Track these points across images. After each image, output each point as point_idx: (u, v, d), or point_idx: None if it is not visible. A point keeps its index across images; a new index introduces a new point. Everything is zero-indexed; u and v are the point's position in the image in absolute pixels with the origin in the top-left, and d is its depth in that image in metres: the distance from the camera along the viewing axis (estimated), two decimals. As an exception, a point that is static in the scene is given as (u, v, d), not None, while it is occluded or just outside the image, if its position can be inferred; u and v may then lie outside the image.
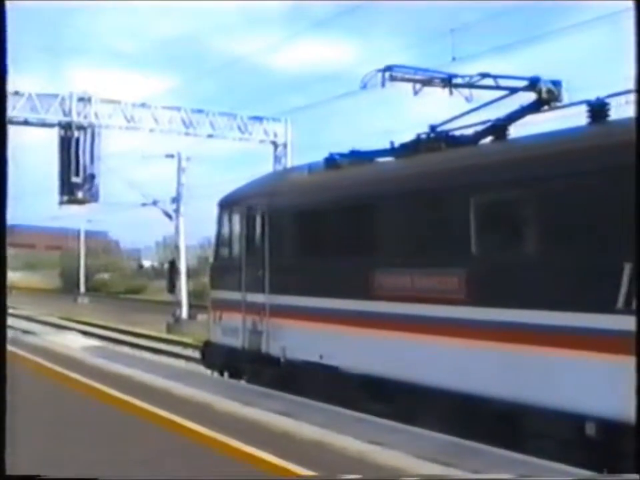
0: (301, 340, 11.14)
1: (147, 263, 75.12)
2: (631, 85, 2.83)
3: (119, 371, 12.40)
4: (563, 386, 7.20)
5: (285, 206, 11.75)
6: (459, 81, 10.44)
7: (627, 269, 6.60)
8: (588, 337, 6.97)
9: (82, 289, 58.42)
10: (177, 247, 33.15)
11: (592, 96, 8.25)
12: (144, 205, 33.44)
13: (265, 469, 6.28)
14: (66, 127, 28.71)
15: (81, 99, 28.93)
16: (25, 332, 26.74)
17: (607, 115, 8.01)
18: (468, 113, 10.15)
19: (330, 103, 32.73)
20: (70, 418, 8.68)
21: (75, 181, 28.82)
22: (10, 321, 30.51)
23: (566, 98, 9.56)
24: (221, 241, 13.77)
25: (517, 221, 8.18)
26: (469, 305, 8.24)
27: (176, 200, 32.62)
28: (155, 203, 33.02)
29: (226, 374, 13.09)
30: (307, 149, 38.09)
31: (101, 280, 63.05)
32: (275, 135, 32.21)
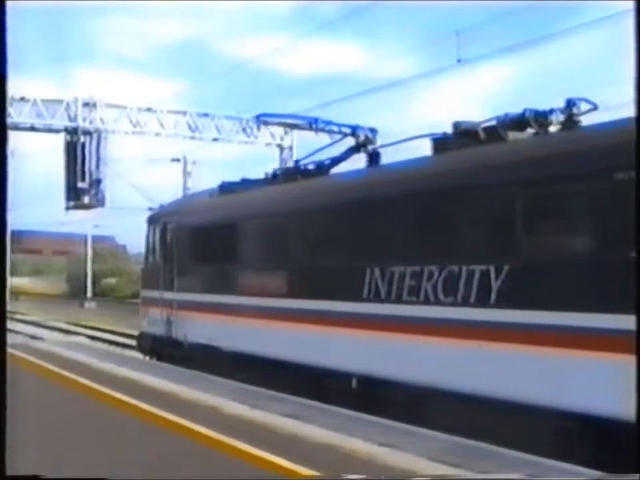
0: (195, 327, 14.39)
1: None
2: (632, 84, 2.84)
3: (126, 375, 12.40)
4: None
5: (186, 223, 15.19)
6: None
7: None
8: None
9: (89, 293, 58.42)
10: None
11: (594, 96, 8.64)
12: (150, 209, 33.44)
13: (274, 472, 6.26)
14: (72, 132, 28.79)
15: (86, 104, 29.01)
16: (33, 337, 26.67)
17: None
18: (319, 150, 13.27)
19: (335, 105, 32.74)
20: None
21: (81, 186, 28.88)
22: (19, 327, 30.59)
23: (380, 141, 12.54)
24: (148, 251, 17.16)
25: (328, 237, 11.14)
26: (294, 298, 11.51)
27: (182, 204, 32.60)
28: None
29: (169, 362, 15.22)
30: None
31: (107, 285, 63.02)
32: (281, 138, 32.22)
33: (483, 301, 8.15)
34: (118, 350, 21.97)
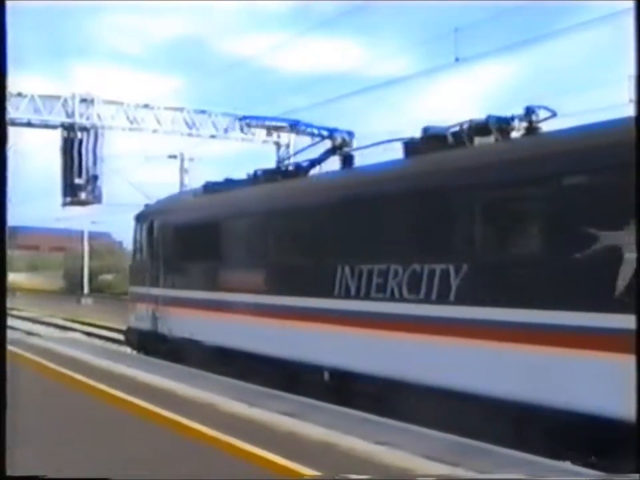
0: (179, 322, 14.98)
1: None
2: (632, 84, 2.86)
3: (123, 372, 12.39)
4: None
5: (171, 221, 15.67)
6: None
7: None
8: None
9: (86, 290, 58.37)
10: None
11: (592, 94, 8.93)
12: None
13: (271, 470, 6.26)
14: (69, 128, 28.70)
15: (83, 100, 28.91)
16: (29, 333, 26.64)
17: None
18: (299, 152, 14.25)
19: (333, 103, 32.73)
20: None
21: (78, 182, 28.82)
22: (16, 323, 30.55)
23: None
24: (136, 248, 17.72)
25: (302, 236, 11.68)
26: (269, 294, 12.01)
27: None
28: (158, 203, 32.97)
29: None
30: (311, 149, 37.99)
31: (104, 281, 62.95)
32: (278, 136, 32.14)
33: (443, 297, 8.69)
34: (114, 346, 21.92)
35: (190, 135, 31.01)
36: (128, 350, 21.20)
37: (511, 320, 7.82)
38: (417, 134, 10.69)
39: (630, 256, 6.50)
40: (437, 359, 8.79)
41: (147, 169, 59.33)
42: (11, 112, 26.84)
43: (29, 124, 28.59)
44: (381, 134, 12.61)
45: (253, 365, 12.07)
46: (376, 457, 6.61)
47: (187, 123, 30.62)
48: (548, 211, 7.72)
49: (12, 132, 27.36)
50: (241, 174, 14.87)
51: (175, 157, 32.50)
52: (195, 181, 32.94)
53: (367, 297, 9.90)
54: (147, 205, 18.71)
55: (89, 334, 27.30)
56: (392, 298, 9.45)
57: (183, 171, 32.56)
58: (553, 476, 6.18)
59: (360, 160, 12.59)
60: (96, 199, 29.70)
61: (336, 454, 6.79)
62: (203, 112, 31.12)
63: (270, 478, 6.18)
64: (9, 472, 2.60)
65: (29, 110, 28.08)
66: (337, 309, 10.50)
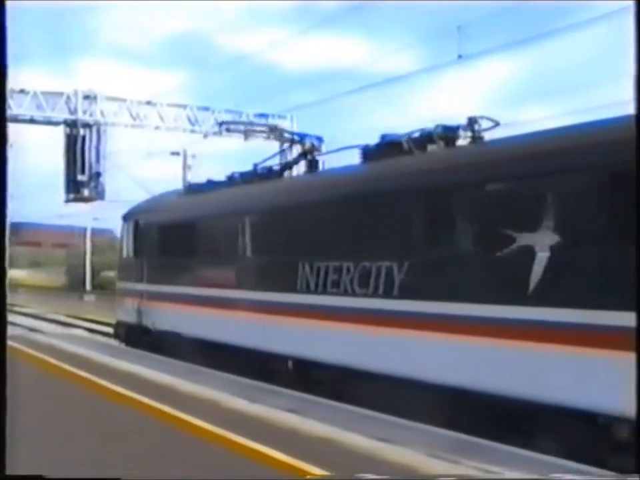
0: (161, 316, 15.81)
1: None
2: (632, 83, 2.87)
3: (125, 368, 12.41)
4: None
5: (155, 220, 16.54)
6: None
7: None
8: None
9: (88, 286, 58.41)
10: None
11: (592, 92, 9.62)
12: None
13: (273, 466, 6.26)
14: (72, 124, 28.70)
15: (86, 97, 28.91)
16: (32, 329, 26.66)
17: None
18: (272, 156, 15.23)
19: (335, 99, 32.76)
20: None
21: (81, 179, 28.83)
22: (18, 319, 30.58)
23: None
24: (122, 246, 18.63)
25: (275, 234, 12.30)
26: (241, 289, 12.90)
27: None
28: (160, 200, 32.94)
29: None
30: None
31: (107, 277, 62.90)
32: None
33: (388, 292, 9.53)
34: (116, 342, 21.94)
35: (193, 131, 30.99)
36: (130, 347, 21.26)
37: (442, 312, 8.69)
38: (416, 132, 10.86)
39: (541, 255, 7.38)
40: (383, 348, 9.60)
41: (149, 166, 59.31)
42: (14, 109, 26.88)
43: (31, 121, 28.59)
44: (384, 130, 12.57)
45: (227, 355, 12.91)
46: (378, 454, 6.62)
47: (189, 120, 30.61)
48: (473, 214, 8.60)
49: (15, 129, 27.35)
50: (244, 170, 15.04)
51: (177, 153, 32.46)
52: (199, 177, 33.07)
53: (324, 291, 10.75)
54: (133, 206, 19.54)
55: (91, 330, 27.32)
56: (345, 293, 10.31)
57: (185, 167, 32.52)
58: (554, 473, 6.18)
59: (340, 163, 13.09)
60: (99, 195, 29.71)
61: (338, 451, 6.80)
62: (205, 109, 31.11)
63: (271, 474, 6.18)
64: (8, 471, 2.60)
65: (31, 107, 28.08)
66: (298, 302, 11.36)
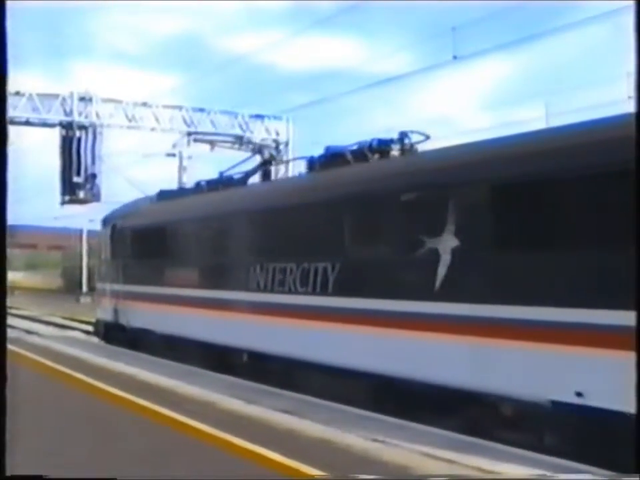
0: (134, 314, 16.79)
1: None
2: (632, 82, 2.89)
3: (122, 370, 12.41)
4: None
5: (129, 225, 17.58)
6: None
7: None
8: None
9: (84, 288, 58.32)
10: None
11: (588, 93, 9.82)
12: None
13: (269, 467, 6.28)
14: (67, 126, 28.72)
15: (82, 99, 28.93)
16: (28, 332, 26.63)
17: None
18: (237, 165, 16.33)
19: (332, 100, 32.77)
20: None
21: (77, 180, 28.83)
22: (14, 321, 30.52)
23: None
24: (102, 248, 19.96)
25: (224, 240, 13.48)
26: (203, 289, 13.89)
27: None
28: (156, 202, 32.90)
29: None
30: (309, 147, 38.03)
31: (103, 279, 62.78)
32: (277, 134, 32.14)
33: (324, 290, 10.42)
34: (113, 345, 21.92)
35: (189, 133, 31.00)
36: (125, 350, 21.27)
37: (367, 308, 9.68)
38: (416, 133, 11.28)
39: (445, 257, 8.35)
40: (322, 341, 10.47)
41: (145, 167, 59.27)
42: (10, 111, 26.82)
43: (27, 122, 28.62)
44: (379, 131, 12.78)
45: (190, 349, 13.98)
46: (374, 454, 6.64)
47: (185, 121, 30.61)
48: (393, 221, 9.46)
49: (10, 131, 27.38)
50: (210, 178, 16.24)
51: (173, 155, 32.43)
52: (194, 179, 33.00)
53: (272, 290, 11.68)
54: (112, 211, 20.59)
55: (88, 332, 27.28)
56: (289, 291, 11.22)
57: (181, 168, 32.50)
58: (552, 473, 6.20)
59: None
60: (94, 197, 29.71)
61: (334, 451, 6.82)
62: (201, 110, 31.11)
63: (267, 475, 6.19)
64: (9, 472, 2.61)
65: (27, 108, 28.10)
66: (251, 300, 12.31)
